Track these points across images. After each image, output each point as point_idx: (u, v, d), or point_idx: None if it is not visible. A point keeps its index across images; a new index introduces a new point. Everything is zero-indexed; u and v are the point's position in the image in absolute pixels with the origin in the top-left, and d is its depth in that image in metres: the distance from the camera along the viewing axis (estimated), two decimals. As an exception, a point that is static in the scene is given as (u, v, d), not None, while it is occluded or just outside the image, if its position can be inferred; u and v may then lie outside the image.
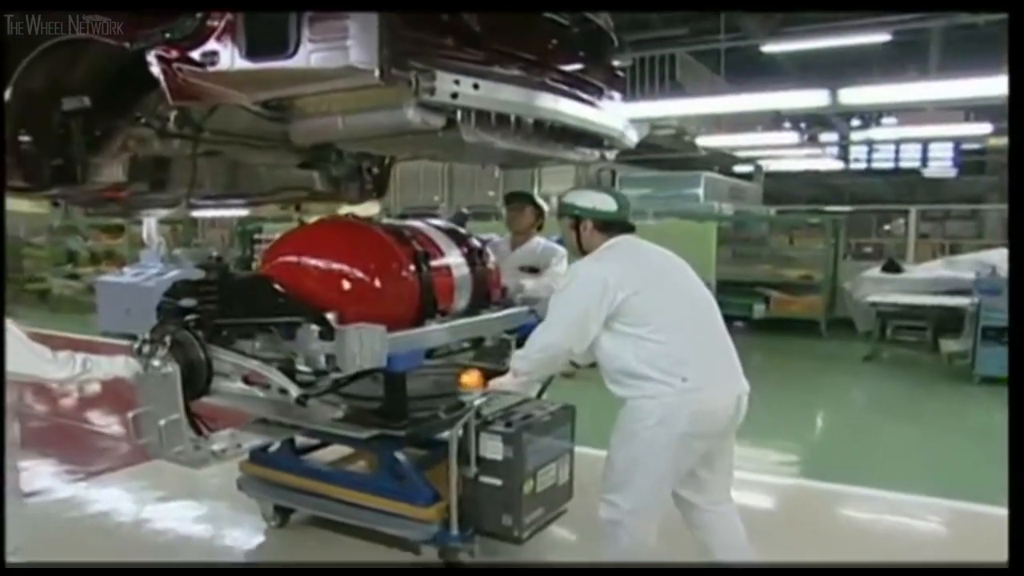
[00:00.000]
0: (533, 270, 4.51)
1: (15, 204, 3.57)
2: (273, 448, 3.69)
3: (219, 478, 4.21)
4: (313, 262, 3.30)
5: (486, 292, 3.70)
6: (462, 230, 3.83)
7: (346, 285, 3.21)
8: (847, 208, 12.78)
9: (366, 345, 2.92)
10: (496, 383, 3.06)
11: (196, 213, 5.60)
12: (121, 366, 2.83)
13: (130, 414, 2.97)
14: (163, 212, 5.50)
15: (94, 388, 2.98)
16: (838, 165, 18.23)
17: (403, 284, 3.29)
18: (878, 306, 8.96)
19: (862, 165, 18.64)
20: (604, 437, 2.89)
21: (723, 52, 10.66)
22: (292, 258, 3.37)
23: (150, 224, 9.12)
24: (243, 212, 5.60)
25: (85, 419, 6.20)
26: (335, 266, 3.25)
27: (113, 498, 4.49)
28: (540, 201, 4.73)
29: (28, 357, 2.52)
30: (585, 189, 3.19)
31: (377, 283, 3.23)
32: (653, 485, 2.79)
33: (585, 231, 2.97)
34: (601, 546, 2.87)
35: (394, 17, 2.35)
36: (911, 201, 14.00)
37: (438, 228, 3.72)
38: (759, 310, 10.49)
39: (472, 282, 3.60)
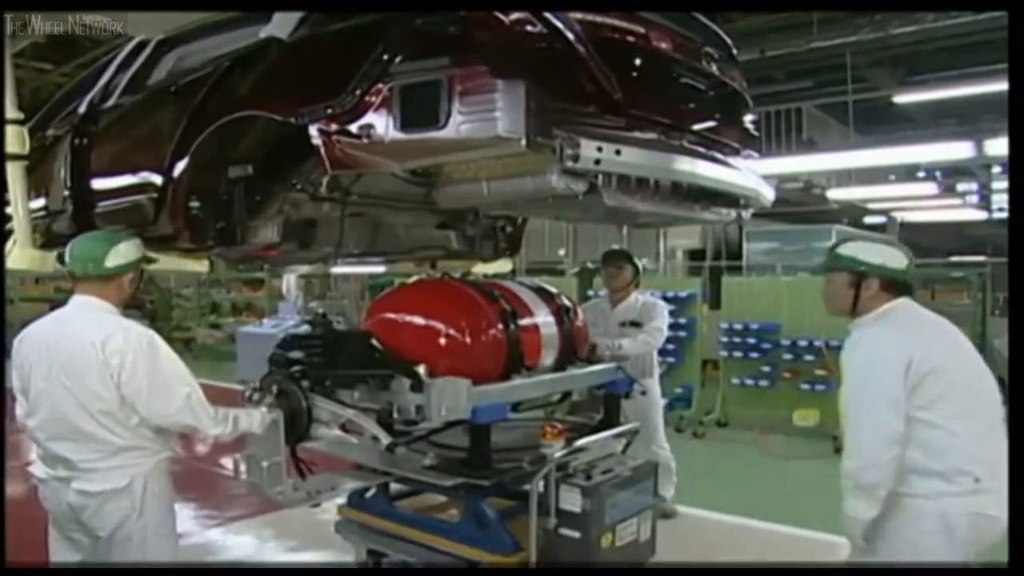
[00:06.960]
0: (636, 324, 4.66)
1: (177, 263, 3.87)
2: (369, 494, 3.81)
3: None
4: (408, 319, 3.47)
5: (573, 348, 3.75)
6: (552, 289, 3.92)
7: (437, 341, 3.34)
8: (994, 259, 11.90)
9: (451, 397, 3.04)
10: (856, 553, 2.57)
11: (333, 269, 5.88)
12: (258, 422, 3.00)
13: (237, 455, 3.17)
14: (304, 268, 5.83)
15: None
16: (980, 215, 17.20)
17: (491, 341, 3.38)
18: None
19: (1006, 214, 17.55)
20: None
21: (851, 104, 10.34)
22: (390, 315, 3.55)
23: (289, 278, 9.66)
24: (379, 268, 5.83)
25: (220, 464, 6.46)
26: (427, 323, 3.41)
27: (247, 545, 4.66)
28: (636, 260, 4.98)
29: (198, 412, 2.73)
30: (868, 241, 2.71)
31: (466, 339, 3.33)
32: None
33: (869, 291, 2.57)
34: None
35: (540, 88, 2.44)
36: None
37: (529, 288, 3.82)
38: (900, 370, 9.86)
39: (559, 339, 3.66)
